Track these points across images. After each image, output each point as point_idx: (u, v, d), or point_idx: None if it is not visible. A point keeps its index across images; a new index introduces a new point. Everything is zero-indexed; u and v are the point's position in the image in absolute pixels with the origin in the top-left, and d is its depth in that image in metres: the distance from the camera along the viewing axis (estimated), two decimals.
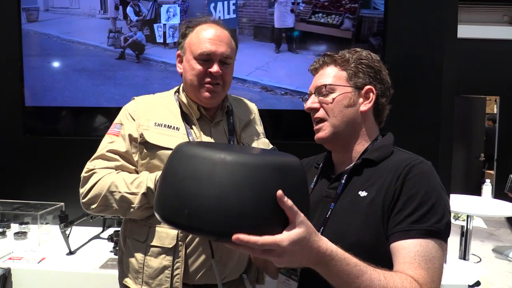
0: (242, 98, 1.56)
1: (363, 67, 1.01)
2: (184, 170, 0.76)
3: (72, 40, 2.43)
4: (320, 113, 1.03)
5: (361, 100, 1.01)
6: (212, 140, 1.34)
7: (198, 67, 1.28)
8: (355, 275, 0.79)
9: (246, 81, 2.35)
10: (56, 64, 2.42)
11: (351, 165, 1.02)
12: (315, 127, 1.05)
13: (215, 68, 1.27)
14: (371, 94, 1.01)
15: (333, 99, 1.01)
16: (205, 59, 1.28)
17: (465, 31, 4.78)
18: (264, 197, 0.73)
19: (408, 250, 0.86)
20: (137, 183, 1.23)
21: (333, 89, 1.01)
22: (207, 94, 1.30)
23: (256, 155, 0.78)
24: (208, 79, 1.29)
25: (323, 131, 1.02)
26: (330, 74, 1.03)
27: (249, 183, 0.72)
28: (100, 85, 2.38)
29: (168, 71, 2.36)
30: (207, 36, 1.28)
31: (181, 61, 1.36)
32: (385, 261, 0.88)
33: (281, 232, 0.74)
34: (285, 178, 0.76)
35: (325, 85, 1.02)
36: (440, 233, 0.88)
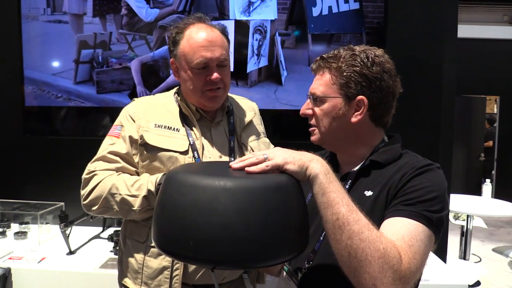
0: (243, 98, 1.55)
1: (355, 75, 0.95)
2: (185, 200, 0.73)
3: None
4: (312, 121, 1.03)
5: (352, 110, 0.97)
6: (212, 141, 1.35)
7: (197, 76, 1.28)
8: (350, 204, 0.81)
9: None
10: None
11: (358, 166, 1.01)
12: (309, 129, 1.06)
13: (215, 75, 1.26)
14: (362, 106, 0.97)
15: (322, 110, 0.99)
16: (202, 67, 1.27)
17: (465, 31, 4.78)
18: (269, 220, 0.72)
19: (395, 224, 0.83)
20: (138, 186, 1.23)
21: (323, 100, 0.99)
22: (210, 100, 1.31)
23: (255, 179, 0.76)
24: (209, 86, 1.28)
25: (314, 135, 1.04)
26: (323, 82, 1.00)
27: (253, 208, 0.71)
28: None
29: None
30: (199, 42, 1.26)
31: (176, 69, 1.35)
32: None
33: (290, 253, 0.76)
34: (285, 198, 0.76)
35: (314, 96, 1.01)
36: (432, 221, 0.83)
